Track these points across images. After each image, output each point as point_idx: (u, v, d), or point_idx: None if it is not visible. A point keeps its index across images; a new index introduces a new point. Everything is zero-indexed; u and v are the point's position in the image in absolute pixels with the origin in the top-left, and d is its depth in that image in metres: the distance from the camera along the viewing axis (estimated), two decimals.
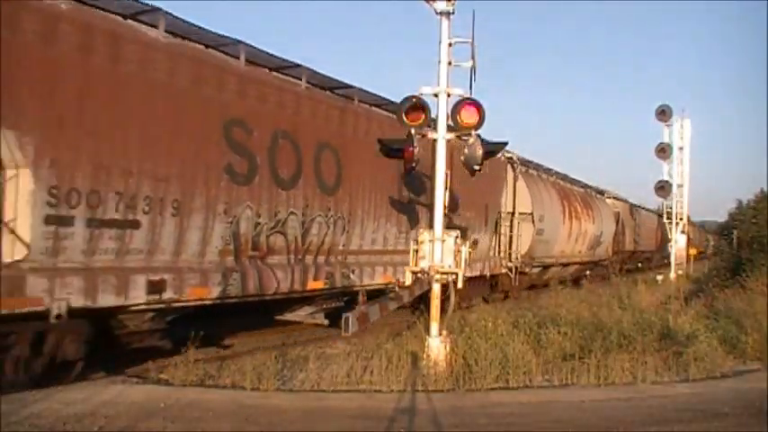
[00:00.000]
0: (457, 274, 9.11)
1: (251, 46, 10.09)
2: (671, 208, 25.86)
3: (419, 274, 9.22)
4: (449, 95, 9.17)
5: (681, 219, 25.84)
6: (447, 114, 9.21)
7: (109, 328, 8.61)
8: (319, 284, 11.55)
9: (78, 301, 7.63)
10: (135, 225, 8.31)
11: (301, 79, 11.20)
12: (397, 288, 9.78)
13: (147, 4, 8.62)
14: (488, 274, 18.38)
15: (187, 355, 8.19)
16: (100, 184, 7.88)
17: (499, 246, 19.49)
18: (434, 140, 9.26)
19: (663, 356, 9.45)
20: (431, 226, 9.31)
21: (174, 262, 8.88)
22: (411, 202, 13.61)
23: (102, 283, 7.92)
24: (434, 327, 8.93)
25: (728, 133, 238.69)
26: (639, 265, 38.26)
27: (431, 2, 9.14)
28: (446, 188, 9.26)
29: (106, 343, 8.67)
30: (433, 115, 9.23)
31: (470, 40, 9.18)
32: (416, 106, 9.07)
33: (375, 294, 10.83)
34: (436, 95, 9.20)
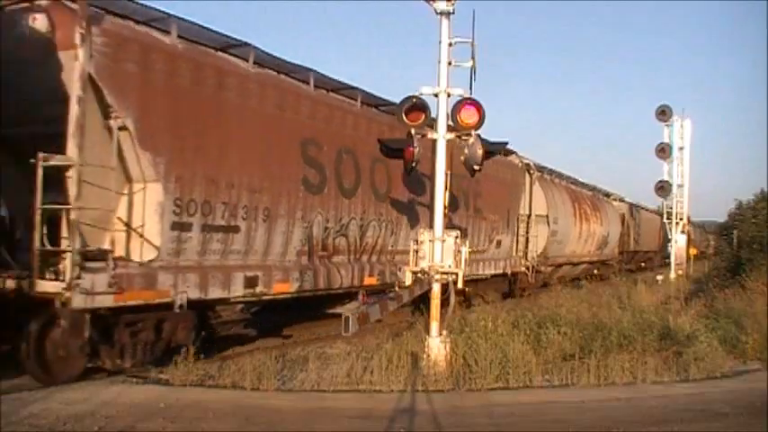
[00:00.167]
0: (457, 274, 9.11)
1: (318, 72, 11.55)
2: (671, 208, 25.84)
3: (419, 275, 9.22)
4: (449, 95, 9.17)
5: (681, 219, 25.81)
6: (447, 114, 9.21)
7: (207, 317, 10.20)
8: (373, 281, 13.01)
9: (194, 294, 9.15)
10: (235, 230, 9.85)
11: (357, 99, 12.77)
12: (397, 288, 9.80)
13: (238, 39, 10.04)
14: (510, 272, 19.82)
15: (187, 355, 8.21)
16: (211, 196, 9.42)
17: (517, 246, 20.86)
18: (434, 140, 9.26)
19: (663, 356, 9.45)
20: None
21: (263, 261, 10.44)
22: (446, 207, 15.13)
23: (211, 278, 9.45)
24: (434, 327, 8.93)
25: (728, 133, 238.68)
26: (643, 264, 39.10)
27: (431, 2, 9.13)
28: (446, 188, 9.26)
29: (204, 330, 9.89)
30: (433, 115, 9.23)
31: (470, 40, 9.18)
32: (416, 106, 9.06)
33: None
34: (436, 95, 9.20)
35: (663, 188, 24.70)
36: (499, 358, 8.49)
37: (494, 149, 10.45)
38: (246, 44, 10.11)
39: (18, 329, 7.90)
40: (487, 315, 10.09)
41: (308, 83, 11.44)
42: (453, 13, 9.13)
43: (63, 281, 7.67)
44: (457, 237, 9.23)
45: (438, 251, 9.11)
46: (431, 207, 9.71)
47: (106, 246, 8.35)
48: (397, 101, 9.39)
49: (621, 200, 35.73)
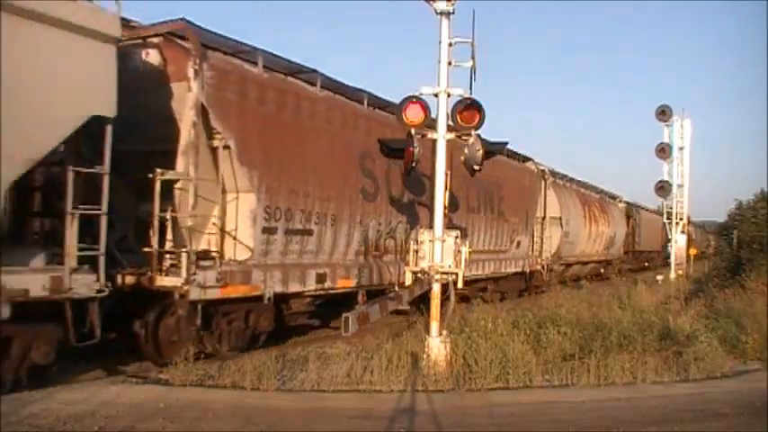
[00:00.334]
0: (457, 274, 9.11)
1: (370, 93, 13.03)
2: (671, 208, 25.83)
3: (419, 275, 9.22)
4: (449, 95, 9.16)
5: (681, 219, 25.80)
6: (447, 114, 9.20)
7: (280, 309, 11.48)
8: None
9: (278, 288, 10.66)
10: (309, 233, 11.41)
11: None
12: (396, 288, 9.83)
13: (307, 66, 11.47)
14: (528, 271, 21.42)
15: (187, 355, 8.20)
16: (291, 204, 10.96)
17: (533, 246, 22.49)
18: (434, 140, 9.25)
19: (663, 356, 9.45)
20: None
21: (329, 259, 11.99)
22: (475, 211, 17.41)
23: (291, 275, 10.95)
24: (434, 327, 8.93)
25: (728, 133, 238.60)
26: (646, 264, 40.07)
27: (431, 2, 9.13)
28: (446, 188, 9.26)
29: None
30: (433, 115, 9.22)
31: (470, 40, 9.17)
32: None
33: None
34: (436, 95, 9.20)
35: (663, 188, 24.70)
36: (499, 358, 8.49)
37: (494, 149, 10.43)
38: (314, 70, 11.57)
39: (129, 320, 9.09)
40: (487, 315, 10.08)
41: (362, 102, 12.94)
42: (453, 13, 9.13)
43: (180, 277, 8.98)
44: (457, 237, 9.23)
45: (438, 251, 9.12)
46: (436, 208, 9.66)
47: (206, 246, 9.78)
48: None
49: (627, 202, 37.16)
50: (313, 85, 11.64)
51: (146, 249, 9.06)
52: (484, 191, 17.52)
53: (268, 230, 10.49)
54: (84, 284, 7.78)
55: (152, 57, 9.53)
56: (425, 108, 9.03)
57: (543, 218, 22.93)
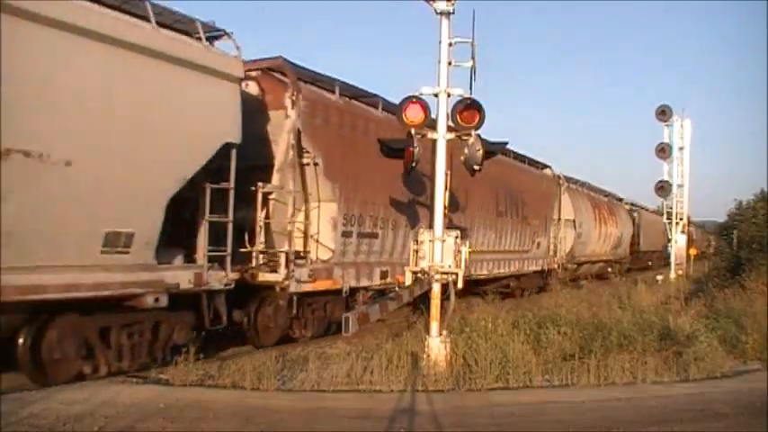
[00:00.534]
0: (457, 274, 9.11)
1: None
2: (671, 208, 25.84)
3: (419, 275, 9.22)
4: (449, 95, 9.16)
5: (681, 219, 25.81)
6: (447, 114, 9.20)
7: (347, 301, 12.75)
8: None
9: (353, 283, 12.64)
10: (376, 236, 13.40)
11: None
12: (397, 288, 9.85)
13: (368, 91, 13.46)
14: (546, 269, 23.65)
15: (187, 355, 8.21)
16: (363, 211, 12.91)
17: (550, 246, 24.46)
18: (434, 140, 9.25)
19: (663, 356, 9.44)
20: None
21: (390, 259, 13.92)
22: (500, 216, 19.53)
23: (361, 271, 12.97)
24: (434, 327, 8.92)
25: (728, 133, 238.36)
26: (650, 263, 41.34)
27: (431, 2, 9.13)
28: (446, 188, 9.26)
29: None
30: (433, 115, 9.22)
31: (470, 40, 9.17)
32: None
33: (482, 282, 18.30)
34: (436, 95, 9.20)
35: (663, 188, 24.71)
36: (499, 358, 8.48)
37: (494, 149, 10.43)
38: (375, 95, 13.57)
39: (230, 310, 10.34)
40: (487, 315, 10.08)
41: None
42: (453, 13, 9.13)
43: (280, 273, 10.86)
44: (457, 237, 9.23)
45: (438, 251, 9.11)
46: (435, 208, 9.68)
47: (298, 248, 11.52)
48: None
49: (632, 204, 39.56)
50: (375, 107, 13.61)
51: (242, 250, 10.40)
52: (510, 196, 19.88)
53: (345, 234, 12.42)
54: (216, 279, 9.71)
55: (251, 88, 11.16)
56: (425, 108, 9.03)
57: (558, 220, 24.96)
